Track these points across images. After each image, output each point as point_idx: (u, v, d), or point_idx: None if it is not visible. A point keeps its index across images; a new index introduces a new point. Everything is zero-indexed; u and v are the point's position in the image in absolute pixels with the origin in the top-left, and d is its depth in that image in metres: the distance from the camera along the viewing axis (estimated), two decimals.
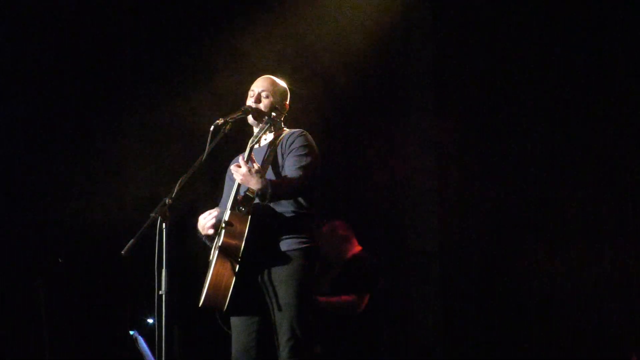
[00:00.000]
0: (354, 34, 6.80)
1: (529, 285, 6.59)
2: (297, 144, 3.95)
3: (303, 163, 3.89)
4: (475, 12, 6.87)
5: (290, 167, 3.90)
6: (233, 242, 3.80)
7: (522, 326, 6.50)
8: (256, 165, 3.79)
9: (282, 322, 3.80)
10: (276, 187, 3.80)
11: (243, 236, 3.79)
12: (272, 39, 6.67)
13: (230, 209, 3.85)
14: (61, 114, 6.35)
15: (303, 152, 3.92)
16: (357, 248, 5.83)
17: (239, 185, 3.86)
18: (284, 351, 3.79)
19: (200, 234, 4.01)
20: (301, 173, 3.88)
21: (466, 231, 6.81)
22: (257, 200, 3.82)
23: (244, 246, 3.78)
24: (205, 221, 3.95)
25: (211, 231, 3.93)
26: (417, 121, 7.03)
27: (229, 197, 3.98)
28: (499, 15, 6.84)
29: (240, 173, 3.77)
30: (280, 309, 3.80)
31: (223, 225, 3.82)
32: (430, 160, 6.93)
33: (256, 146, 4.05)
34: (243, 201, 3.85)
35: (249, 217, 3.80)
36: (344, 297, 5.50)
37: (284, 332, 3.80)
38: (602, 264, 6.46)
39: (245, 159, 3.79)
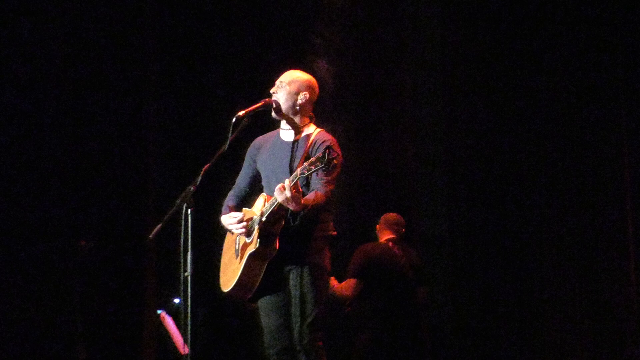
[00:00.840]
0: (364, 22, 6.83)
1: (538, 266, 6.61)
2: (335, 161, 4.01)
3: (329, 178, 4.04)
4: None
5: (318, 182, 4.05)
6: (267, 252, 4.00)
7: (531, 310, 6.53)
8: (299, 196, 3.88)
9: (303, 303, 4.00)
10: (308, 212, 3.94)
11: (276, 245, 3.98)
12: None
13: (265, 217, 4.00)
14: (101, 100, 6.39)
15: (333, 168, 4.01)
16: (383, 239, 5.99)
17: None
18: (302, 328, 3.98)
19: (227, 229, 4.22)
20: (327, 188, 4.04)
21: (475, 216, 6.81)
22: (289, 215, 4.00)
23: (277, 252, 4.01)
24: (231, 224, 4.12)
25: (242, 232, 4.10)
26: (427, 110, 7.03)
27: (247, 179, 4.26)
28: (508, 2, 6.82)
29: (285, 196, 3.85)
30: (301, 290, 3.99)
31: (256, 225, 4.03)
32: (439, 148, 6.95)
33: (285, 139, 4.21)
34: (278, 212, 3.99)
35: (282, 222, 4.01)
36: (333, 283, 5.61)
37: (304, 310, 3.99)
38: (611, 249, 6.47)
39: (291, 184, 3.86)
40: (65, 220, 6.00)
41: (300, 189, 3.92)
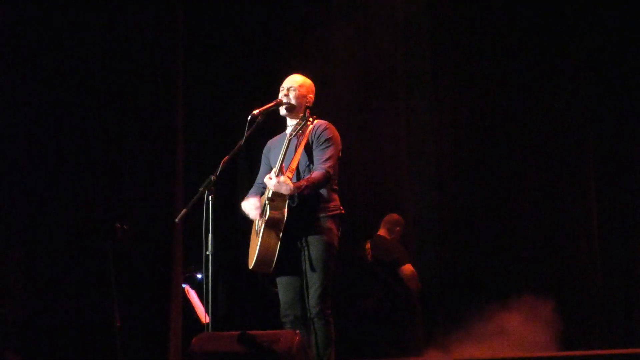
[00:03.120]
0: (363, 30, 7.07)
1: (512, 241, 6.95)
2: (322, 137, 4.39)
3: (327, 156, 4.34)
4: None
5: (316, 161, 4.35)
6: (277, 215, 4.26)
7: (505, 277, 6.89)
8: (282, 178, 4.20)
9: (313, 277, 4.29)
10: (302, 191, 4.24)
11: (285, 210, 4.26)
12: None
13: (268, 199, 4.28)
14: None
15: (327, 146, 4.37)
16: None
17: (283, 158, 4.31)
18: (313, 300, 4.29)
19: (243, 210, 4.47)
20: (324, 166, 4.32)
21: (460, 202, 7.11)
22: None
23: (287, 218, 4.27)
24: (250, 210, 4.41)
25: (256, 216, 4.40)
26: (417, 110, 7.24)
27: (264, 175, 4.41)
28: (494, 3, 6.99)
29: (272, 184, 4.20)
30: (312, 267, 4.28)
31: (267, 201, 4.28)
32: (429, 144, 7.20)
33: (289, 136, 4.45)
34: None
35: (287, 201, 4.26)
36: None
37: (313, 282, 4.29)
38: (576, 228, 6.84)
39: (276, 171, 4.19)
40: (103, 205, 6.22)
41: (285, 172, 4.18)
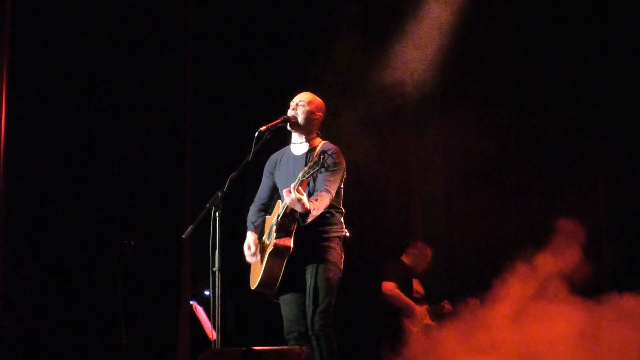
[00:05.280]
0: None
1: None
2: (329, 161, 4.28)
3: (331, 178, 4.36)
4: None
5: (321, 183, 4.36)
6: (283, 244, 4.31)
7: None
8: (305, 197, 4.19)
9: (316, 295, 4.33)
10: (313, 214, 4.25)
11: (291, 239, 4.31)
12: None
13: (281, 218, 4.33)
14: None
15: (333, 169, 4.36)
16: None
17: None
18: (315, 317, 4.32)
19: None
20: (328, 190, 4.35)
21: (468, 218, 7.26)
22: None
23: (293, 247, 4.31)
24: (246, 254, 4.53)
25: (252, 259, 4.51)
26: (426, 128, 7.41)
27: (267, 190, 4.60)
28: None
29: (290, 198, 4.19)
30: (315, 285, 4.33)
31: (274, 227, 4.33)
32: (438, 160, 7.35)
33: (295, 153, 4.56)
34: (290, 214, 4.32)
35: (296, 223, 4.32)
36: None
37: (316, 303, 4.32)
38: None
39: (295, 187, 4.19)
40: (111, 222, 6.26)
41: (304, 192, 4.19)
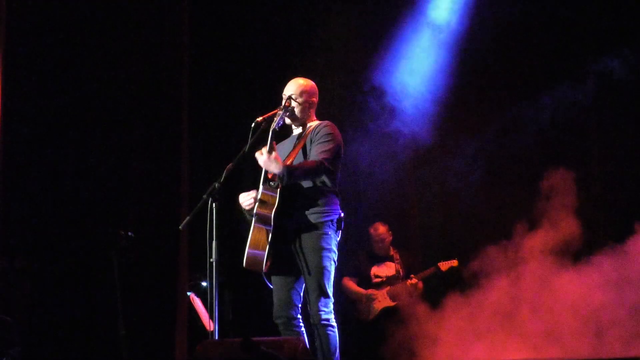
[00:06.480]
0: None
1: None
2: (321, 133, 4.39)
3: (324, 149, 4.33)
4: None
5: (314, 153, 4.35)
6: (265, 211, 4.25)
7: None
8: (274, 153, 4.18)
9: (312, 283, 4.30)
10: (292, 171, 4.22)
11: (274, 206, 4.25)
12: None
13: (262, 184, 4.32)
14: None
15: (325, 140, 4.36)
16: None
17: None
18: (314, 306, 4.31)
19: (242, 208, 4.42)
20: (319, 158, 4.30)
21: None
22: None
23: (274, 215, 4.24)
24: (245, 199, 4.39)
25: (250, 206, 4.36)
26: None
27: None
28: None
29: (262, 160, 4.21)
30: (310, 273, 4.28)
31: (258, 197, 4.30)
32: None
33: (294, 135, 4.55)
34: (272, 178, 4.29)
35: (278, 190, 4.27)
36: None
37: (313, 291, 4.30)
38: None
39: (268, 149, 4.17)
40: (108, 213, 6.27)
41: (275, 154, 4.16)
